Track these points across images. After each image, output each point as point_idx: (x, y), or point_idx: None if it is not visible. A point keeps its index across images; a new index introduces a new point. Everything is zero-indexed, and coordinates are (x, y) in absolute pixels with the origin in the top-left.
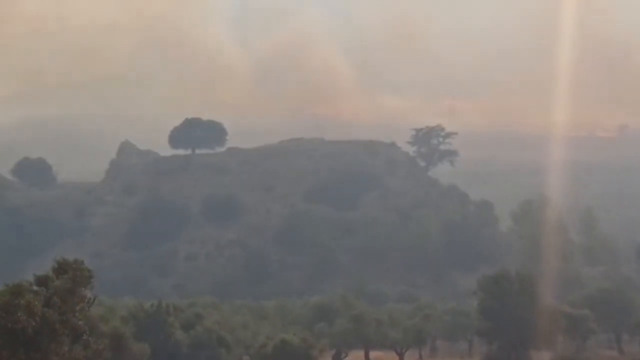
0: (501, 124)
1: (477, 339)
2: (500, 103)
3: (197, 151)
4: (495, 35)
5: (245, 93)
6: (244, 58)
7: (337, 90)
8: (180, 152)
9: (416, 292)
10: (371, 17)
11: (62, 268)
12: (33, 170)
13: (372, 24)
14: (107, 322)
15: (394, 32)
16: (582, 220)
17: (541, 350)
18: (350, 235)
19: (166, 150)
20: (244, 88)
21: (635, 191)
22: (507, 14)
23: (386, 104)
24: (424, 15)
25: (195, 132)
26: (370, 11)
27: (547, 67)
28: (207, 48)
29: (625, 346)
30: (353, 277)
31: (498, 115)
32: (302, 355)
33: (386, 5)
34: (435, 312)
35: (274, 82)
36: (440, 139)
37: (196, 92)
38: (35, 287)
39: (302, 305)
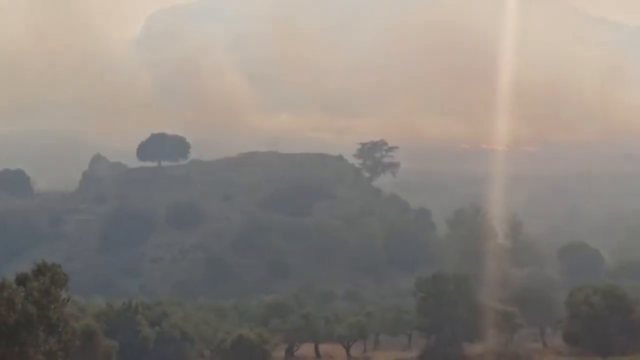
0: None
1: (416, 334)
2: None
3: (163, 163)
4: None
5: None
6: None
7: (234, 107)
8: (148, 164)
9: (361, 291)
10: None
11: (40, 270)
12: (12, 181)
13: (265, 39)
14: (79, 320)
15: (285, 49)
16: (510, 226)
17: (474, 343)
18: (302, 240)
19: (135, 163)
20: (146, 105)
21: (556, 200)
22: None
23: (283, 119)
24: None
25: (161, 146)
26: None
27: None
28: (113, 70)
29: (549, 339)
30: (304, 278)
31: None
32: (257, 349)
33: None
34: (378, 309)
35: (171, 98)
36: (383, 153)
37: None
38: (14, 286)
39: (258, 304)
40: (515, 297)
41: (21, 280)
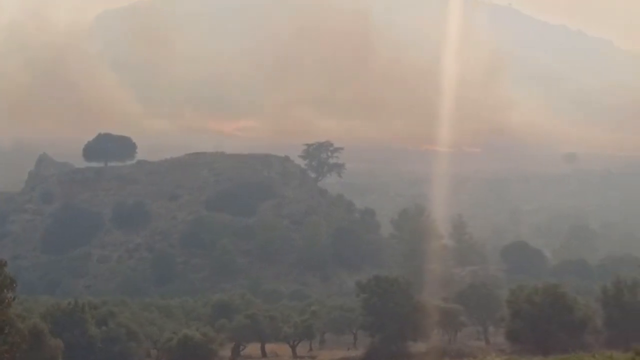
0: (382, 140)
1: (361, 332)
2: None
3: (109, 163)
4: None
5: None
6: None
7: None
8: (94, 164)
9: (307, 291)
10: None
11: None
12: None
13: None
14: (25, 320)
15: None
16: (453, 226)
17: (418, 341)
18: (248, 240)
19: (81, 163)
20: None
21: (498, 200)
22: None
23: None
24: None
25: (107, 146)
26: None
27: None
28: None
29: (491, 337)
30: (251, 277)
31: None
32: (203, 348)
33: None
34: (324, 308)
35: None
36: (329, 153)
37: None
38: None
39: (204, 303)
40: (459, 295)
41: None
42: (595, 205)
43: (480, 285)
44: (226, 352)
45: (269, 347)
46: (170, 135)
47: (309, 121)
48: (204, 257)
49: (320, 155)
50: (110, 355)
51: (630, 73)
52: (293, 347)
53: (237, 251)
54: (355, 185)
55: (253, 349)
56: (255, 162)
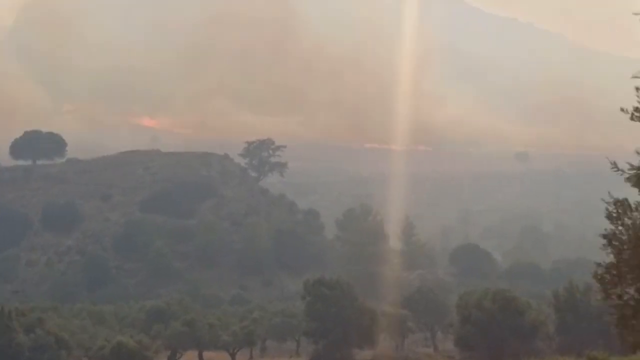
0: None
1: (304, 339)
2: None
3: (38, 162)
4: None
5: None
6: None
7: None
8: (21, 162)
9: (248, 295)
10: None
11: None
12: None
13: None
14: None
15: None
16: (401, 227)
17: (363, 348)
18: (186, 242)
19: (8, 161)
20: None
21: (447, 200)
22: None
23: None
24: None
25: (36, 144)
26: None
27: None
28: None
29: (440, 344)
30: (188, 281)
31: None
32: (138, 356)
33: None
34: (265, 314)
35: None
36: (270, 152)
37: None
38: None
39: (138, 309)
40: (407, 300)
41: None
42: (549, 206)
43: (429, 289)
44: None
45: (207, 355)
46: (79, 132)
47: (228, 115)
48: (138, 261)
49: (261, 153)
50: None
51: (580, 67)
52: (232, 355)
53: (175, 254)
54: (298, 184)
55: (190, 356)
56: (194, 161)
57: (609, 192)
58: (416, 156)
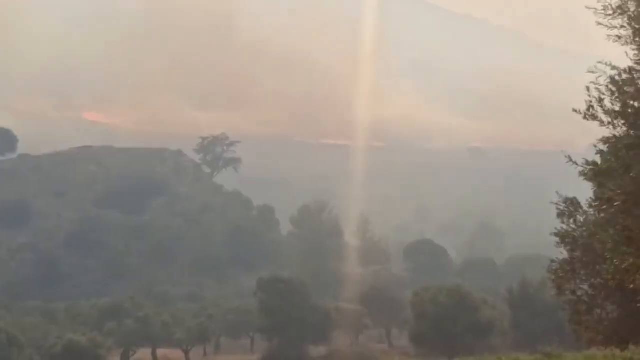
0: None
1: (258, 336)
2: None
3: None
4: None
5: None
6: None
7: None
8: None
9: (202, 292)
10: None
11: None
12: None
13: None
14: None
15: None
16: (356, 224)
17: (318, 345)
18: (140, 239)
19: None
20: None
21: (402, 196)
22: None
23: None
24: None
25: None
26: None
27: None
28: None
29: (395, 340)
30: (142, 279)
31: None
32: (90, 354)
33: None
34: (220, 311)
35: None
36: (225, 147)
37: None
38: None
39: (91, 307)
40: (361, 297)
41: None
42: (503, 202)
43: (383, 286)
44: (115, 357)
45: (160, 352)
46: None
47: (172, 110)
48: (92, 258)
49: (215, 149)
50: None
51: (535, 63)
52: (186, 352)
53: (128, 251)
54: (253, 180)
55: (144, 354)
56: (148, 157)
57: (556, 192)
58: (371, 152)
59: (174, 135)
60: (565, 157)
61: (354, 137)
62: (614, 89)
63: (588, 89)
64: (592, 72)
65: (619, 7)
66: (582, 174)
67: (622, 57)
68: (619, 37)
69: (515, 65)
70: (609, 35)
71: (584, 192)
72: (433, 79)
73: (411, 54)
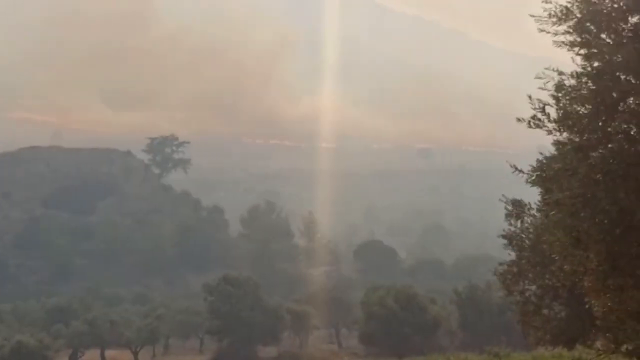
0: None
1: (208, 337)
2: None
3: None
4: None
5: None
6: None
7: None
8: None
9: (151, 293)
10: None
11: None
12: None
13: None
14: None
15: None
16: (306, 224)
17: (267, 346)
18: (88, 240)
19: None
20: None
21: (352, 197)
22: None
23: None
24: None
25: None
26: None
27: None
28: None
29: (345, 340)
30: (90, 279)
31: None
32: (38, 355)
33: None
34: (169, 311)
35: None
36: (174, 148)
37: None
38: None
39: (39, 308)
40: (311, 297)
41: None
42: (451, 202)
43: (333, 286)
44: (63, 359)
45: (109, 353)
46: None
47: (90, 112)
48: (40, 259)
49: (165, 149)
50: None
51: (482, 65)
52: (135, 354)
53: (77, 252)
54: (202, 181)
55: (92, 355)
56: (96, 158)
57: (503, 195)
58: (320, 153)
59: (123, 136)
60: (511, 166)
61: (303, 138)
62: (559, 94)
63: (530, 97)
64: (540, 78)
65: (563, 14)
66: (528, 181)
67: (569, 59)
68: (564, 43)
69: (461, 67)
70: (554, 41)
71: (533, 192)
72: (376, 80)
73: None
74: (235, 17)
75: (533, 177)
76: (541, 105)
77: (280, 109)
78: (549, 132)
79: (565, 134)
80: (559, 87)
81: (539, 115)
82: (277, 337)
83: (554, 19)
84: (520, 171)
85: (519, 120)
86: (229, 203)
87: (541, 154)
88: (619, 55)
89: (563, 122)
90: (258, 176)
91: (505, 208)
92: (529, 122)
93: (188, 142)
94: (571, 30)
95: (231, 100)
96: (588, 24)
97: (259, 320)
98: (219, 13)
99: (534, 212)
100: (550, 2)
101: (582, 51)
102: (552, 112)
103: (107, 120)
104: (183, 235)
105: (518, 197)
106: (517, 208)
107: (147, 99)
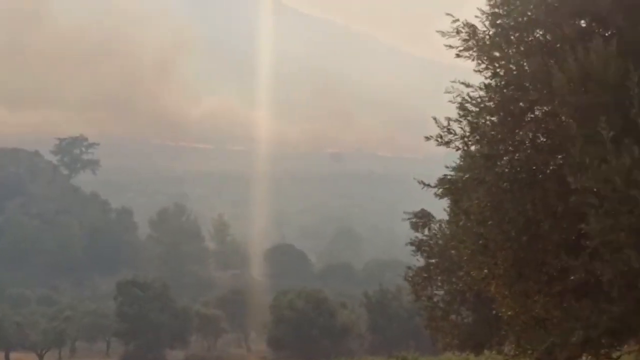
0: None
1: (115, 340)
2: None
3: None
4: None
5: None
6: None
7: None
8: None
9: (58, 295)
10: None
11: None
12: None
13: None
14: None
15: None
16: (216, 227)
17: (175, 349)
18: None
19: None
20: None
21: (262, 200)
22: None
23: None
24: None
25: None
26: None
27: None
28: None
29: (253, 344)
30: None
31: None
32: None
33: None
34: (76, 314)
35: None
36: (83, 149)
37: None
38: None
39: None
40: (220, 300)
41: None
42: (361, 207)
43: (242, 289)
44: None
45: (14, 356)
46: None
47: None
48: None
49: (74, 150)
50: None
51: (393, 70)
52: (41, 356)
53: None
54: (111, 182)
55: None
56: (1, 157)
57: (404, 212)
58: (229, 156)
59: (26, 136)
60: (418, 182)
61: (212, 141)
62: (465, 111)
63: (435, 120)
64: (449, 92)
65: (470, 31)
66: (436, 194)
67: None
68: (471, 58)
69: (372, 72)
70: (458, 55)
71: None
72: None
73: (251, 55)
74: (131, 14)
75: (440, 191)
76: (446, 123)
77: (180, 109)
78: (458, 149)
79: (473, 147)
80: (462, 106)
81: (444, 134)
82: (185, 340)
83: (461, 36)
84: (428, 185)
85: (427, 138)
86: (137, 205)
87: (447, 167)
88: (526, 66)
89: (471, 136)
90: (167, 178)
91: (410, 221)
92: (437, 139)
93: (98, 144)
94: (476, 51)
95: (131, 100)
96: (497, 39)
97: (167, 322)
98: (114, 9)
99: (440, 221)
100: (458, 20)
101: (489, 69)
102: (461, 127)
103: (4, 120)
104: (92, 237)
105: (429, 202)
106: (422, 218)
107: (45, 98)
